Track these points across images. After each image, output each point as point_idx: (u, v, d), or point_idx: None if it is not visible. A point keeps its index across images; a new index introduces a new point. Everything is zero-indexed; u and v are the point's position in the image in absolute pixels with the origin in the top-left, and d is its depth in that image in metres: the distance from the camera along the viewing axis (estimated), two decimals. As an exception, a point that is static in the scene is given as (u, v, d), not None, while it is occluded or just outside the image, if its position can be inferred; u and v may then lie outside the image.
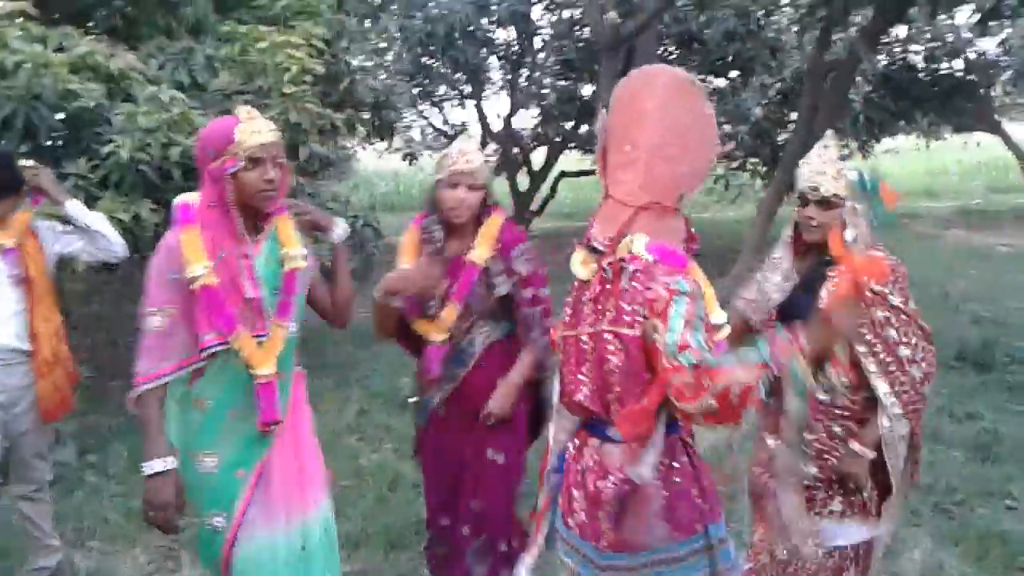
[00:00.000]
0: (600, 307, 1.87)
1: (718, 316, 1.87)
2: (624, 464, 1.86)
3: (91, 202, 4.69)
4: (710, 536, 1.93)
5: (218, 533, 2.27)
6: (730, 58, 6.72)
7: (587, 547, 1.91)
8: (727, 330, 1.88)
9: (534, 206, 13.40)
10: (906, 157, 21.45)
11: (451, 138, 13.87)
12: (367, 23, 8.63)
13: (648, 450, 1.83)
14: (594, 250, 1.90)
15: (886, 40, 7.00)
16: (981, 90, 12.27)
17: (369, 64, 7.84)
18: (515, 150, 13.46)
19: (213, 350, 2.18)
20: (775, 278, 2.56)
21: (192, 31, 6.49)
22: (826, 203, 2.39)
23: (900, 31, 8.77)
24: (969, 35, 9.26)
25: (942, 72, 6.45)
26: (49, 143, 4.81)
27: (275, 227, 2.32)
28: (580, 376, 1.91)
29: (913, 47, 6.78)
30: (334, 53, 6.88)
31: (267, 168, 2.19)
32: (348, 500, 4.17)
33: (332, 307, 2.51)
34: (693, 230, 1.96)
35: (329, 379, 5.82)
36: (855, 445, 2.42)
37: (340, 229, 2.48)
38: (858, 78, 6.65)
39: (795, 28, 6.38)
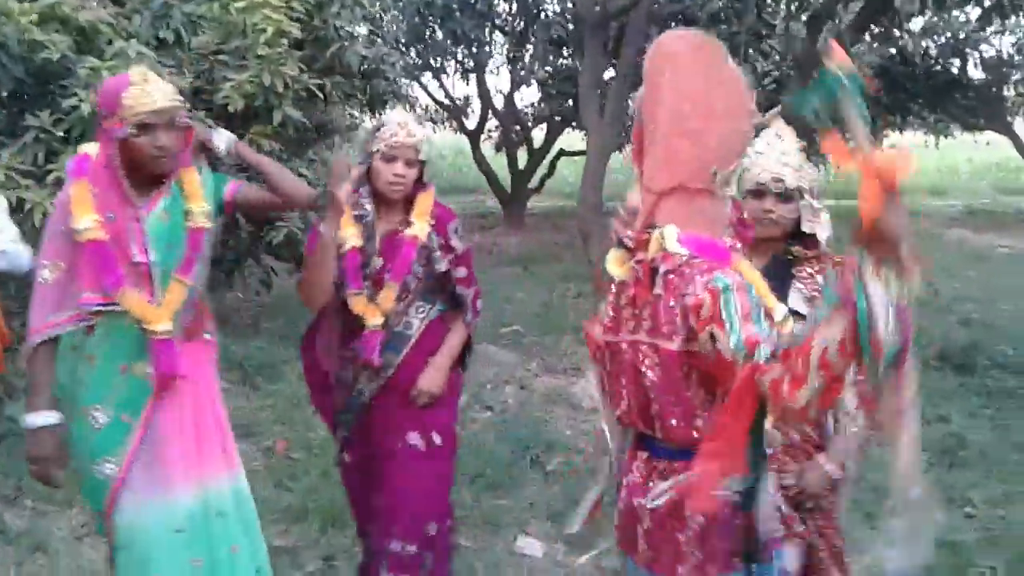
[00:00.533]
0: (638, 313, 1.68)
1: (778, 309, 1.56)
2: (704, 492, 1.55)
3: (52, 156, 4.63)
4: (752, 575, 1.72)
5: (106, 480, 2.21)
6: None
7: (628, 561, 1.81)
8: (791, 324, 1.52)
9: (532, 184, 13.28)
10: (916, 154, 21.26)
11: (452, 111, 13.73)
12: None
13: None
14: (627, 247, 1.72)
15: (881, 32, 6.84)
16: (992, 89, 12.12)
17: (363, 31, 7.69)
18: (515, 127, 13.31)
19: (95, 308, 2.11)
20: None
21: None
22: (787, 197, 2.22)
23: (912, 25, 8.64)
24: (981, 33, 9.09)
25: (937, 69, 6.29)
26: (12, 94, 4.73)
27: (180, 180, 2.23)
28: (621, 388, 1.74)
29: (917, 42, 6.60)
30: (324, 18, 6.75)
31: (158, 135, 2.11)
32: (294, 473, 4.12)
33: (278, 194, 2.44)
34: (746, 214, 1.77)
35: (294, 349, 5.73)
36: (821, 459, 2.23)
37: (222, 141, 2.39)
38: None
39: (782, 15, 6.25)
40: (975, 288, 8.65)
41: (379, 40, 8.40)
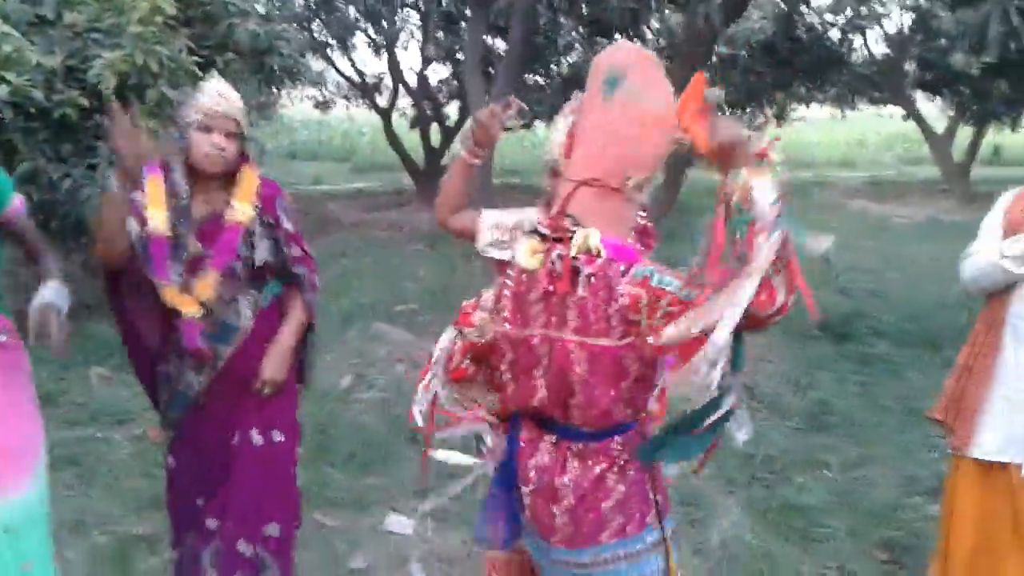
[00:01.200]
0: (555, 311, 1.76)
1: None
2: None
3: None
4: (664, 531, 1.88)
5: None
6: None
7: (540, 542, 1.88)
8: None
9: (446, 161, 13.23)
10: (824, 127, 21.84)
11: (363, 88, 13.55)
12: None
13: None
14: (543, 236, 1.78)
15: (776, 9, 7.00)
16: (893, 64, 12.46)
17: (259, 7, 7.52)
18: (428, 104, 13.23)
19: None
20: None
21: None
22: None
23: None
24: (882, 11, 9.31)
25: (825, 44, 6.44)
26: None
27: None
28: (533, 380, 1.81)
29: (808, 20, 6.76)
30: (213, -7, 6.58)
31: None
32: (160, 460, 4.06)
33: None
34: (651, 225, 1.84)
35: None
36: None
37: None
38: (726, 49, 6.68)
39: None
40: (869, 258, 8.92)
41: (277, 16, 8.23)
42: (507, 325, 1.83)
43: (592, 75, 1.84)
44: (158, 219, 2.39)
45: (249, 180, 2.51)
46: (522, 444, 1.89)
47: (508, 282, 1.84)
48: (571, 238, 1.73)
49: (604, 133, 1.76)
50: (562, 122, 1.88)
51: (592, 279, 1.70)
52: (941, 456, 3.79)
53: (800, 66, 6.61)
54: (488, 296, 1.93)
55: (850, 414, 4.56)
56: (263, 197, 2.52)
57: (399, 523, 3.60)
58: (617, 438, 1.83)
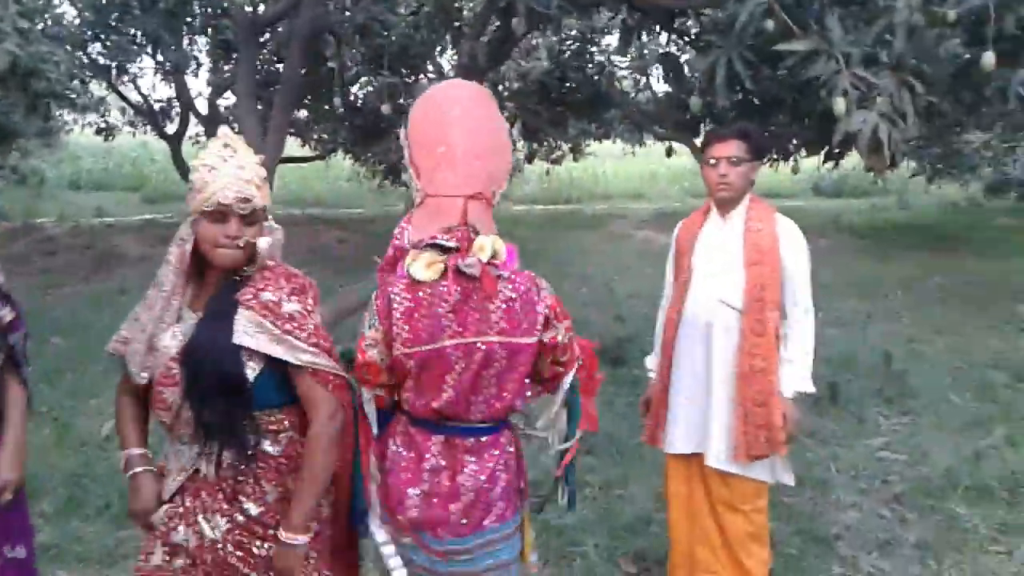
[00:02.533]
0: (471, 316, 1.92)
1: None
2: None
3: None
4: (521, 515, 2.14)
5: None
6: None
7: (424, 536, 2.01)
8: None
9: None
10: (624, 161, 23.05)
11: (148, 114, 12.94)
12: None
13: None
14: (441, 248, 1.92)
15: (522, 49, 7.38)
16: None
17: (24, 27, 7.03)
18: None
19: None
20: (169, 325, 1.99)
21: None
22: (253, 217, 1.97)
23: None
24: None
25: (591, 84, 6.85)
26: None
27: None
28: (444, 385, 1.94)
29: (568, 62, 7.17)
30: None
31: None
32: None
33: None
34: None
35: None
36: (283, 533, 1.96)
37: None
38: (516, 85, 6.99)
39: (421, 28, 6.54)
40: (649, 285, 9.46)
41: (42, 38, 7.72)
42: (409, 346, 1.92)
43: (429, 107, 2.06)
44: None
45: None
46: (402, 451, 2.02)
47: (397, 304, 1.92)
48: (467, 248, 1.93)
49: (469, 153, 1.98)
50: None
51: (513, 282, 1.96)
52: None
53: (573, 104, 6.99)
54: (371, 330, 1.98)
55: (615, 435, 4.79)
56: None
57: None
58: (506, 431, 2.07)
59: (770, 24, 4.06)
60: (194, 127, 13.31)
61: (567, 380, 2.13)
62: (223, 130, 2.10)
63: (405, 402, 2.02)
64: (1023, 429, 4.95)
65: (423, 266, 1.91)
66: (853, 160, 8.83)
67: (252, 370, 1.93)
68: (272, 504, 1.99)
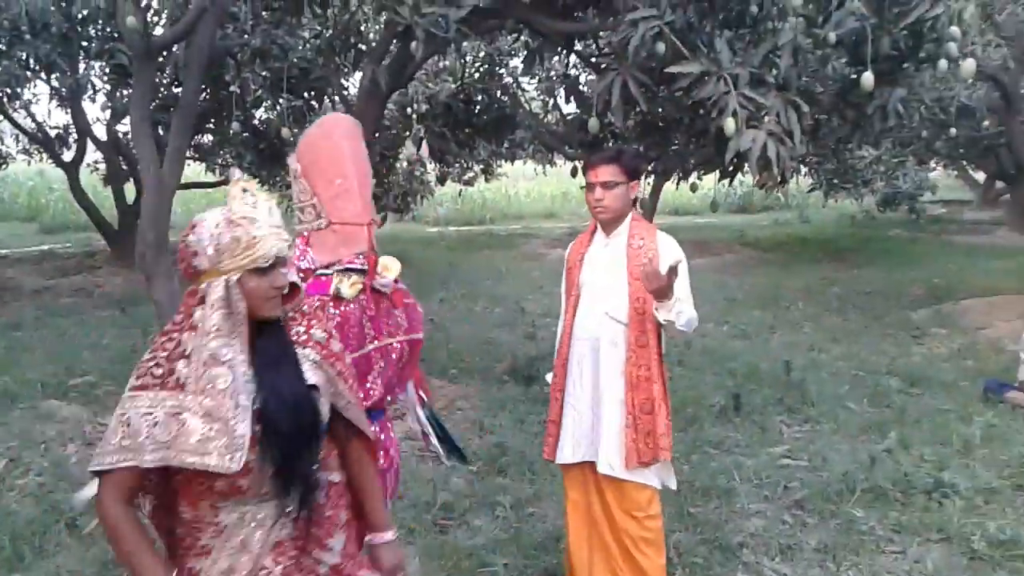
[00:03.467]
0: (383, 324, 2.30)
1: None
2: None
3: None
4: None
5: None
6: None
7: None
8: None
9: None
10: (535, 181, 23.28)
11: (43, 142, 12.47)
12: None
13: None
14: (358, 271, 2.23)
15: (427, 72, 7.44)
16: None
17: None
18: (120, 159, 12.41)
19: None
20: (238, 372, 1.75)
21: None
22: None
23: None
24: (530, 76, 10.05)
25: (495, 106, 6.93)
26: None
27: None
28: (368, 384, 2.26)
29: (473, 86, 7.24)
30: None
31: None
32: None
33: None
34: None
35: None
36: None
37: None
38: (424, 107, 7.01)
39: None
40: (560, 303, 9.55)
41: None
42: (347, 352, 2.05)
43: (321, 140, 2.28)
44: None
45: None
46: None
47: (331, 325, 2.04)
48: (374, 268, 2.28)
49: (362, 185, 2.25)
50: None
51: (407, 291, 2.40)
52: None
53: (480, 126, 7.05)
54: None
55: (526, 454, 4.80)
56: None
57: (45, 621, 3.28)
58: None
59: (661, 47, 4.17)
60: (92, 154, 12.90)
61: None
62: (236, 174, 1.93)
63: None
64: (916, 432, 5.16)
65: (348, 286, 2.21)
66: (750, 177, 9.13)
67: (324, 407, 1.88)
68: (343, 550, 1.93)
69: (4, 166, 13.51)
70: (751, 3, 4.51)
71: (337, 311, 2.20)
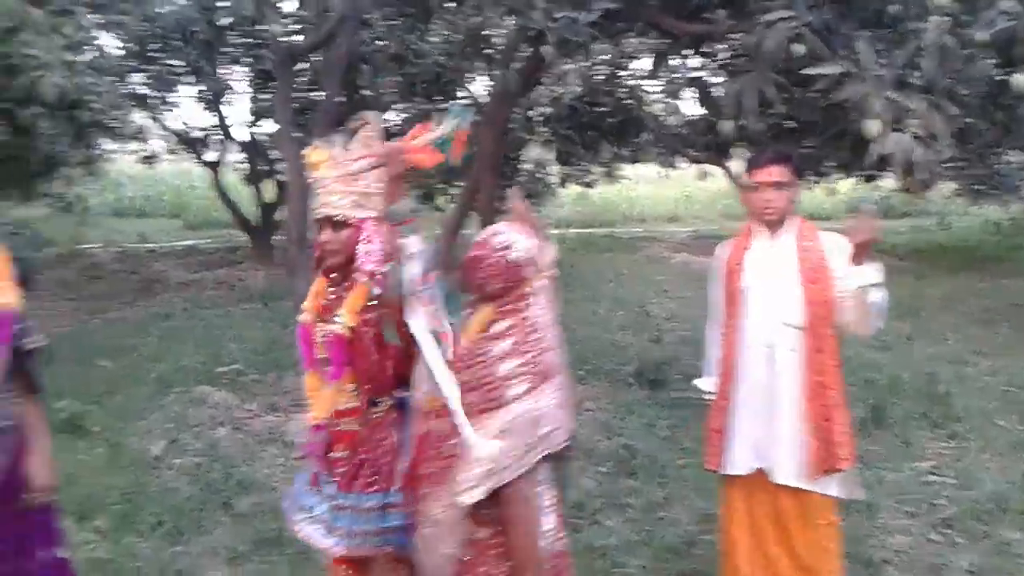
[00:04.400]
0: None
1: None
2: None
3: None
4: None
5: None
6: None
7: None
8: None
9: (280, 217, 13.02)
10: (658, 184, 23.02)
11: (189, 142, 13.20)
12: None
13: None
14: None
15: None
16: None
17: (69, 59, 7.25)
18: (260, 159, 13.00)
19: None
20: None
21: None
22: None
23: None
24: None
25: (621, 108, 6.92)
26: None
27: None
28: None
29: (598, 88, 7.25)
30: (12, 46, 6.32)
31: None
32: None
33: None
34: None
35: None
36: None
37: None
38: (549, 110, 7.07)
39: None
40: (687, 307, 9.43)
41: (87, 69, 7.95)
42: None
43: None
44: None
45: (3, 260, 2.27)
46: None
47: None
48: None
49: None
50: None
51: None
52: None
53: (605, 128, 7.05)
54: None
55: (656, 457, 4.79)
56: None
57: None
58: None
59: (799, 48, 4.07)
60: (233, 154, 13.55)
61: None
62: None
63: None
64: (1073, 452, 4.86)
65: None
66: (892, 182, 8.76)
67: None
68: None
69: (153, 165, 14.34)
70: (891, 2, 4.35)
71: None
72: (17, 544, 2.26)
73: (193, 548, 3.81)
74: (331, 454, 2.42)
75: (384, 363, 2.31)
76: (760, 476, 2.95)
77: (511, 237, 2.14)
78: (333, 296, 2.40)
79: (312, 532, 2.40)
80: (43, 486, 2.30)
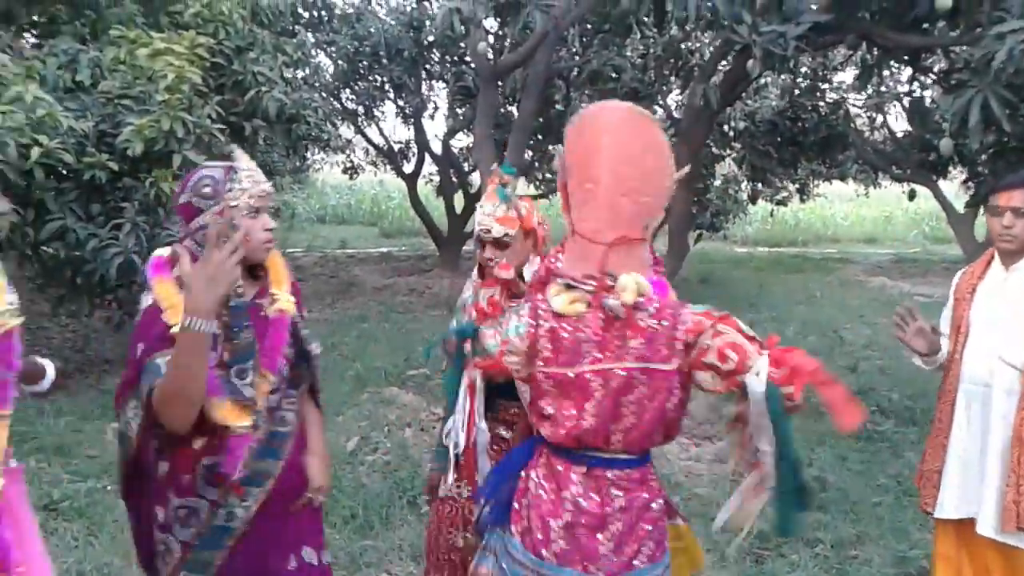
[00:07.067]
0: (611, 345, 1.89)
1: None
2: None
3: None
4: (667, 561, 2.03)
5: None
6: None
7: (566, 572, 1.93)
8: None
9: (469, 228, 13.46)
10: (856, 203, 21.89)
11: (389, 155, 13.90)
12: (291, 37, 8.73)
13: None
14: (582, 288, 1.93)
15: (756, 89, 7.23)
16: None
17: (289, 76, 7.85)
18: (452, 171, 13.52)
19: None
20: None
21: (91, 34, 6.51)
22: (501, 244, 2.56)
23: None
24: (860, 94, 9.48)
25: (809, 123, 6.62)
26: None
27: None
28: (583, 412, 1.91)
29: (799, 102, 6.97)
30: (243, 64, 6.91)
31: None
32: None
33: None
34: (657, 255, 2.06)
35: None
36: None
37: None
38: (745, 124, 6.87)
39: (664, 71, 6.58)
40: (884, 335, 8.90)
41: (303, 85, 8.56)
42: (549, 365, 1.93)
43: (579, 134, 1.95)
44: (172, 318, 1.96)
45: (279, 265, 2.26)
46: (543, 483, 1.99)
47: (543, 322, 1.95)
48: (611, 286, 1.89)
49: (614, 191, 1.90)
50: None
51: (656, 311, 1.89)
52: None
53: (807, 145, 6.77)
54: (516, 338, 1.98)
55: (847, 491, 4.54)
56: (293, 283, 2.30)
57: (393, 587, 3.65)
58: (651, 467, 2.01)
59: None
60: (428, 166, 14.15)
61: (754, 384, 1.80)
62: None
63: (544, 431, 1.99)
64: None
65: (566, 302, 1.94)
66: None
67: None
68: None
69: (356, 176, 15.20)
70: None
71: (555, 321, 1.94)
72: (294, 546, 2.27)
73: (381, 543, 3.99)
74: None
75: None
76: (968, 524, 2.73)
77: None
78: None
79: None
80: (320, 487, 2.32)
